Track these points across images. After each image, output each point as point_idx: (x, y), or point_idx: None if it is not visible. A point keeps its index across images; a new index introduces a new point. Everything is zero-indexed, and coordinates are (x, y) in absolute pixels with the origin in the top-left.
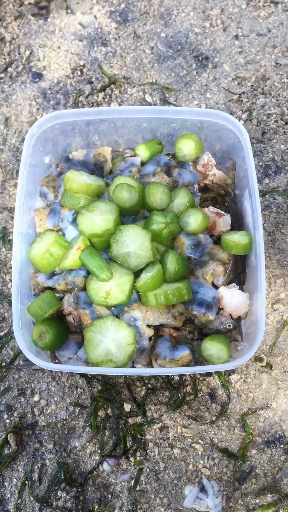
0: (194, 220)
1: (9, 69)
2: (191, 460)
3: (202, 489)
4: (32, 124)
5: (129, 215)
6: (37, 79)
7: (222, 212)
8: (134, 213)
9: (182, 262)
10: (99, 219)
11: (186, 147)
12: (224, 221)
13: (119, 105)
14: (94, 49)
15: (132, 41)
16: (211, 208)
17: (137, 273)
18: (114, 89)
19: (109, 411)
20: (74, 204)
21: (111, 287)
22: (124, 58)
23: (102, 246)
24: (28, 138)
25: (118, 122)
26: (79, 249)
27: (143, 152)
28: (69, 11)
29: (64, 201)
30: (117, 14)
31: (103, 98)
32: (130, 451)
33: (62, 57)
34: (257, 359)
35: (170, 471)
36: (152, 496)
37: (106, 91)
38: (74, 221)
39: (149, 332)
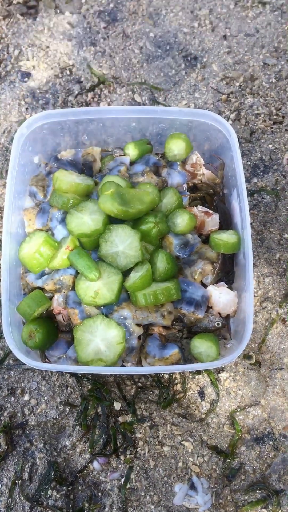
0: (181, 221)
1: None
2: (181, 457)
3: (192, 486)
4: (21, 124)
5: None
6: (26, 79)
7: (211, 211)
8: None
9: (171, 262)
10: (88, 218)
11: (177, 147)
12: (213, 220)
13: (108, 105)
14: (83, 48)
15: (121, 40)
16: (200, 208)
17: (126, 273)
18: (103, 89)
19: (99, 410)
20: (63, 204)
21: (100, 287)
22: (113, 57)
23: (91, 246)
24: (17, 138)
25: (107, 122)
26: (68, 249)
27: (132, 151)
28: (58, 10)
29: (53, 201)
30: (106, 13)
31: (92, 98)
32: (120, 450)
33: (51, 57)
34: (246, 356)
35: (160, 469)
36: (142, 494)
37: (95, 91)
38: (63, 221)
39: (139, 331)
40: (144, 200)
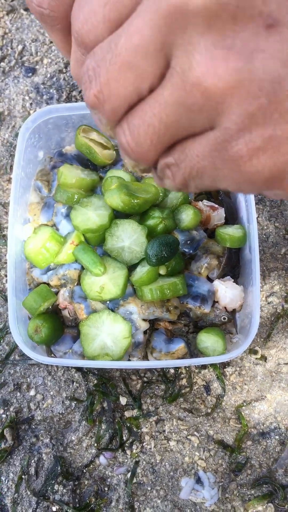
0: (186, 216)
1: (2, 64)
2: (187, 452)
3: (198, 481)
4: (25, 119)
5: None
6: (30, 74)
7: (216, 206)
8: None
9: (178, 258)
10: (93, 214)
11: None
12: (218, 215)
13: None
14: None
15: None
16: (205, 202)
17: (132, 267)
18: None
19: (105, 404)
20: (68, 199)
21: (105, 282)
22: None
23: (96, 241)
24: (22, 133)
25: None
26: (73, 244)
27: None
28: None
29: (57, 196)
30: None
31: None
32: (126, 444)
33: (54, 52)
34: (252, 351)
35: (166, 464)
36: (149, 488)
37: None
38: (67, 216)
39: (145, 326)
40: (149, 190)
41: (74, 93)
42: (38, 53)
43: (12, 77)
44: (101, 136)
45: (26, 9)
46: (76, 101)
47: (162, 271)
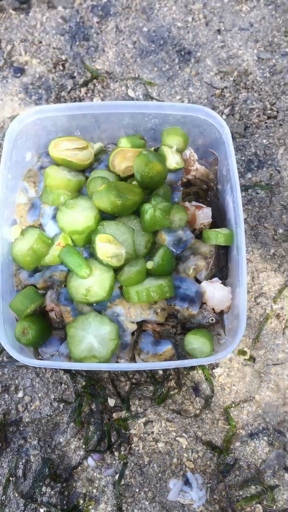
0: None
1: None
2: (175, 453)
3: (186, 482)
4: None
5: None
6: (19, 74)
7: (202, 205)
8: None
9: (167, 259)
10: (79, 215)
11: (175, 142)
12: (204, 214)
13: (102, 100)
14: (76, 43)
15: (114, 35)
16: (193, 203)
17: (120, 267)
18: (97, 84)
19: (93, 406)
20: (54, 200)
21: (91, 284)
22: (106, 52)
23: (82, 242)
24: (9, 133)
25: (100, 117)
26: (59, 245)
27: (125, 145)
28: (51, 5)
29: (43, 198)
30: (99, 8)
31: (86, 93)
32: (115, 446)
33: (43, 52)
34: (241, 352)
35: (155, 465)
36: (137, 490)
37: (89, 86)
38: (54, 217)
39: (132, 327)
40: (136, 191)
41: (63, 93)
42: (27, 53)
43: (1, 78)
44: (73, 140)
45: (14, 9)
46: (65, 102)
47: (150, 265)
